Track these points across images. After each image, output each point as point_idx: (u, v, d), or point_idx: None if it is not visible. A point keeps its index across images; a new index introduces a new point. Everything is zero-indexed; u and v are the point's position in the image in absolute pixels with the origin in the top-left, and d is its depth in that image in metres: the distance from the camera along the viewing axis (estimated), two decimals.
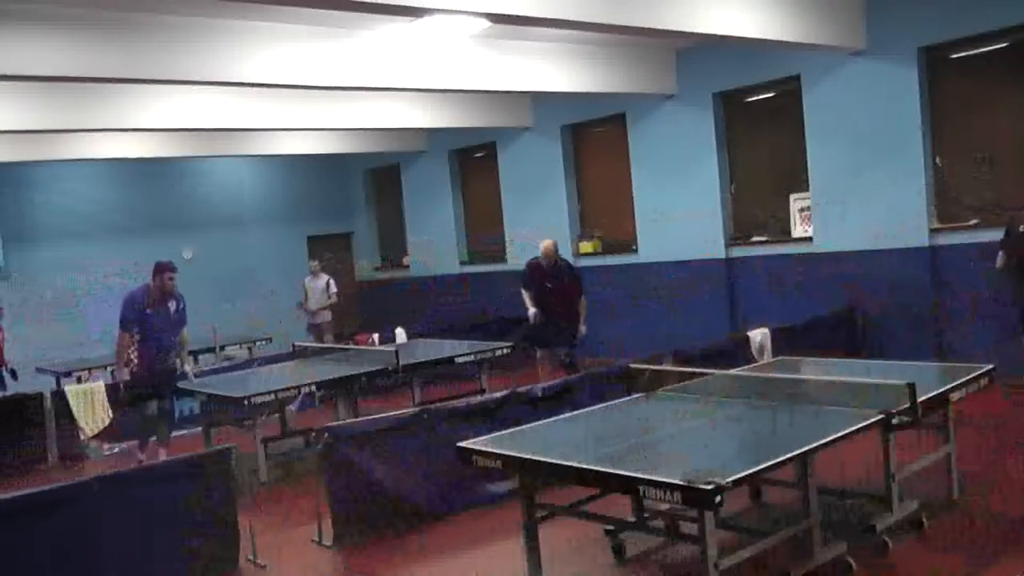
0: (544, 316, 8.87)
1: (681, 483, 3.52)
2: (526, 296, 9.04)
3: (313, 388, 7.92)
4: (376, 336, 11.01)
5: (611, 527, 4.96)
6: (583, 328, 8.84)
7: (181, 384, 7.92)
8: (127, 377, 7.60)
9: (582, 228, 12.77)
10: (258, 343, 12.42)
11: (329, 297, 12.94)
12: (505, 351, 8.63)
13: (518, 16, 6.60)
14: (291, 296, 13.79)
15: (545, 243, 8.96)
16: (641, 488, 3.71)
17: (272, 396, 7.30)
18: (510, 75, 9.45)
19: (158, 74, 7.72)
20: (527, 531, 4.58)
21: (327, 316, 13.03)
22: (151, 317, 7.57)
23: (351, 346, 10.13)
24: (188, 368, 8.15)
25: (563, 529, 5.07)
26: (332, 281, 13.06)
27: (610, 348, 10.59)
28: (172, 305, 7.69)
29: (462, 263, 14.81)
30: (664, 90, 10.92)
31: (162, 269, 7.64)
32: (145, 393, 7.63)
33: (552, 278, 8.86)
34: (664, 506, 4.66)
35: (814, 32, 8.46)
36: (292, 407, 8.71)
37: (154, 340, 7.61)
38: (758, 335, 8.29)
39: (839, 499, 5.21)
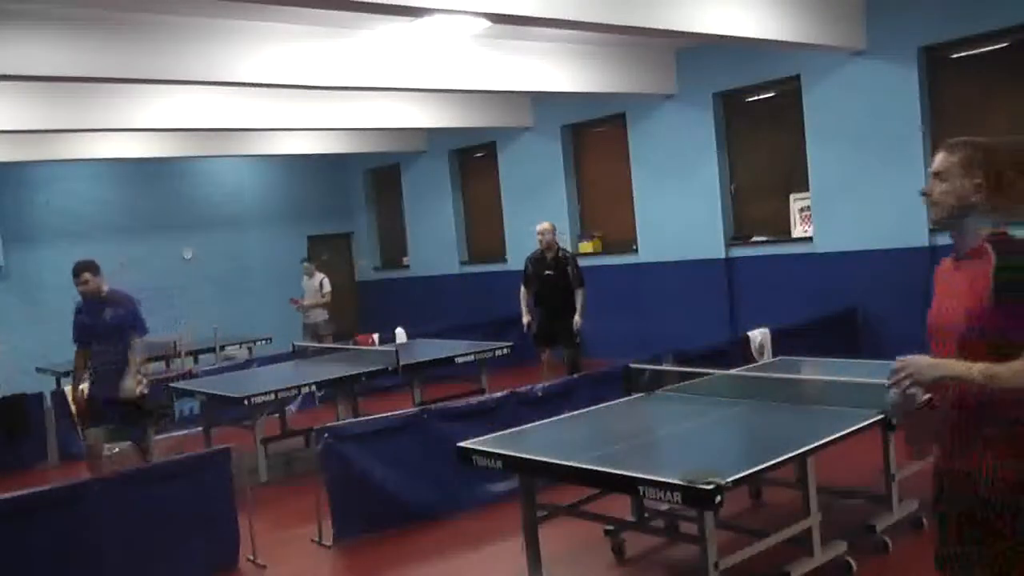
0: (543, 312, 8.76)
1: (681, 483, 3.52)
2: (522, 297, 8.91)
3: (313, 388, 7.92)
4: (376, 336, 11.01)
5: (611, 527, 4.96)
6: (579, 320, 8.58)
7: (179, 385, 7.84)
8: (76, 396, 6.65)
9: (582, 228, 12.77)
10: (258, 343, 12.42)
11: (322, 296, 12.86)
12: (505, 351, 8.63)
13: (518, 16, 6.59)
14: (291, 295, 13.72)
15: (542, 225, 8.72)
16: (641, 488, 3.70)
17: (272, 396, 7.29)
18: (510, 75, 9.45)
19: (158, 74, 7.71)
20: (527, 531, 4.58)
21: (323, 315, 12.94)
22: (88, 328, 6.49)
23: (351, 346, 10.13)
24: (129, 384, 6.36)
25: (563, 529, 5.07)
26: (326, 280, 12.96)
27: (610, 348, 10.58)
28: (108, 312, 6.45)
29: (462, 263, 14.81)
30: (664, 90, 10.92)
31: (73, 272, 6.47)
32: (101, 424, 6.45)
33: (554, 266, 8.67)
34: (664, 506, 4.66)
35: (814, 32, 8.45)
36: (292, 407, 8.71)
37: (94, 356, 6.55)
38: (758, 335, 8.29)
39: (839, 499, 5.21)
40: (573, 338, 8.65)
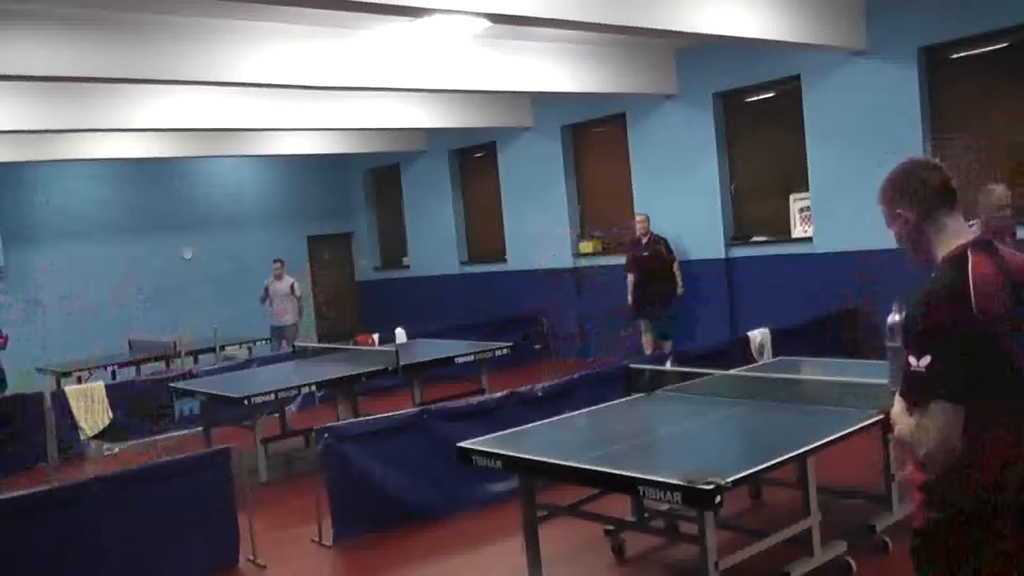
0: (638, 287, 10.19)
1: (681, 483, 3.52)
2: (628, 282, 10.37)
3: (313, 388, 7.91)
4: (376, 336, 11.01)
5: (611, 527, 4.96)
6: (680, 289, 10.22)
7: (179, 385, 7.82)
8: None
9: (582, 228, 12.77)
10: (258, 343, 12.41)
11: (297, 298, 12.65)
12: (505, 351, 8.63)
13: (518, 16, 6.59)
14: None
15: (639, 215, 10.65)
16: (641, 488, 3.71)
17: (272, 396, 7.29)
18: (510, 75, 9.44)
19: (158, 74, 7.71)
20: (527, 531, 4.58)
21: (291, 319, 12.67)
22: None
23: (351, 346, 10.12)
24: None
25: (563, 529, 5.07)
26: (296, 284, 12.70)
27: (611, 348, 10.59)
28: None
29: (462, 263, 14.80)
30: (664, 90, 10.91)
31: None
32: None
33: (647, 248, 10.32)
34: (664, 506, 4.66)
35: (814, 32, 8.45)
36: (292, 407, 8.70)
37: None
38: (758, 335, 8.29)
39: (839, 499, 5.21)
40: (667, 308, 10.22)
